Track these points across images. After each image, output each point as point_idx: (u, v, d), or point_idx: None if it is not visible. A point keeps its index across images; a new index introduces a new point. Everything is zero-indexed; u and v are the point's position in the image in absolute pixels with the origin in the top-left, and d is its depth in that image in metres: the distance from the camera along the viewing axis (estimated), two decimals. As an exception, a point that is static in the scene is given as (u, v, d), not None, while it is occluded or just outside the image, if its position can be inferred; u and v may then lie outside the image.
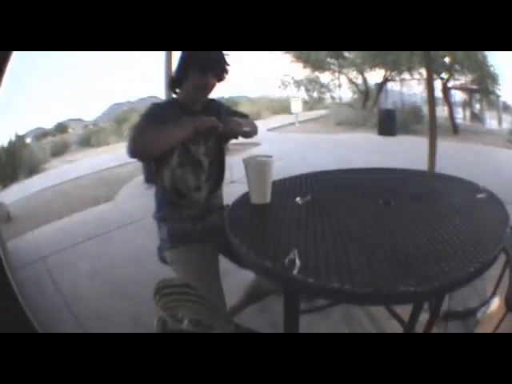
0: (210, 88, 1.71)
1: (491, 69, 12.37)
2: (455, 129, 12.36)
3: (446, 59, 12.02)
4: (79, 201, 5.54)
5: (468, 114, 15.02)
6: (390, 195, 1.55)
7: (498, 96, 13.60)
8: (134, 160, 1.53)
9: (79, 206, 5.23)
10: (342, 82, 17.01)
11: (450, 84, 12.99)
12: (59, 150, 12.49)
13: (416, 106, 14.24)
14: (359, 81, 16.37)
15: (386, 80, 15.23)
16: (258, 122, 1.96)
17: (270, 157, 1.53)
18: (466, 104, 14.87)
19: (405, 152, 8.66)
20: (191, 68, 1.64)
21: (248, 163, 1.51)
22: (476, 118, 14.71)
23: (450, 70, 12.34)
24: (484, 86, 12.80)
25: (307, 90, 17.32)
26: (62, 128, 15.09)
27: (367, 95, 15.94)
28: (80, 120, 16.36)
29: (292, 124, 14.48)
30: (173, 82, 1.76)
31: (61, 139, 13.82)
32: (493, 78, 12.52)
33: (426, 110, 15.49)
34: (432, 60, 12.16)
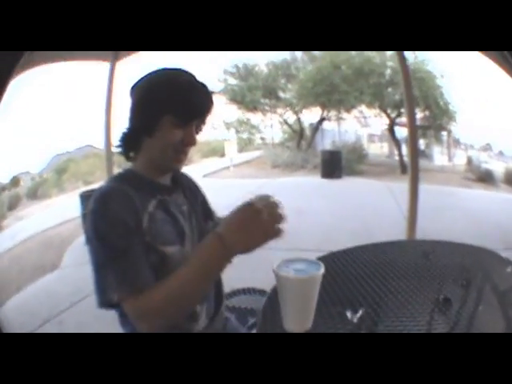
0: (191, 147, 1.17)
1: (449, 106, 13.05)
2: (403, 168, 11.92)
3: (397, 96, 12.28)
4: (29, 268, 5.40)
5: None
6: (442, 287, 1.37)
7: (450, 132, 14.56)
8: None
9: (30, 275, 5.04)
10: (273, 122, 17.51)
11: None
12: (13, 205, 13.06)
13: (358, 144, 14.76)
14: (291, 121, 16.92)
15: (322, 119, 15.78)
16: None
17: (318, 264, 0.99)
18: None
19: (356, 196, 8.76)
20: (167, 115, 1.08)
21: (284, 279, 0.96)
22: (422, 154, 15.53)
23: (400, 107, 12.34)
24: (436, 123, 13.34)
25: (237, 132, 17.59)
26: (15, 181, 15.99)
27: (302, 135, 16.40)
28: (28, 173, 17.62)
29: (226, 168, 14.38)
30: (127, 140, 1.17)
31: (14, 193, 14.63)
32: (450, 116, 13.22)
33: (368, 148, 16.29)
34: (382, 97, 12.75)
